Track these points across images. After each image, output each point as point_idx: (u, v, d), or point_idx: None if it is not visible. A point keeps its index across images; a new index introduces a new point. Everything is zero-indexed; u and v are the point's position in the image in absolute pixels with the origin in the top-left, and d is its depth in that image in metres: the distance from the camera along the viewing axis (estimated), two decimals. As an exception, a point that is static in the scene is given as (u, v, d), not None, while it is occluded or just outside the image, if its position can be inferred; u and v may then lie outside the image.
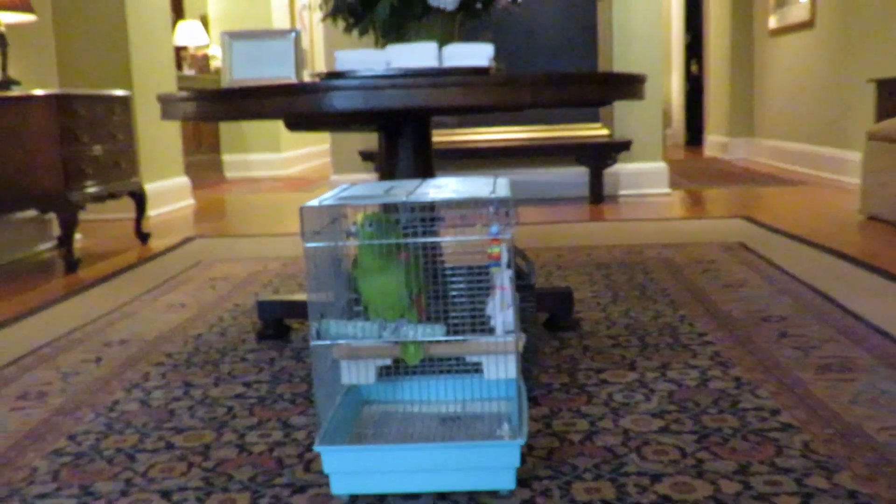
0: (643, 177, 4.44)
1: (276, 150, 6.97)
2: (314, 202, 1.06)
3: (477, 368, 1.29)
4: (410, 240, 1.11)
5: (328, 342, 1.15)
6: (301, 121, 1.93)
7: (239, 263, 2.89)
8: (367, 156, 4.16)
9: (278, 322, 1.97)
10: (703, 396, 1.44)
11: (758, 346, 1.71)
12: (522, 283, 1.45)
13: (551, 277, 2.45)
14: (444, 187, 1.14)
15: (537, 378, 1.48)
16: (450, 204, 1.07)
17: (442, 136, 4.24)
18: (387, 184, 1.20)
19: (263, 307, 1.97)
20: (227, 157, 6.91)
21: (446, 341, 1.16)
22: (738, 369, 1.57)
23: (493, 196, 1.06)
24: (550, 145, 4.21)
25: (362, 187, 1.21)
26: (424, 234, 1.16)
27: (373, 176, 4.38)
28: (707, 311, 2.01)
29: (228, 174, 6.88)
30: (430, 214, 1.16)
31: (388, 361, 1.22)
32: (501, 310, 1.13)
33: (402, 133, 1.82)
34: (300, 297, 2.10)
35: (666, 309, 2.04)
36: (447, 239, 1.14)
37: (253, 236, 3.53)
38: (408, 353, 1.18)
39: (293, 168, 7.22)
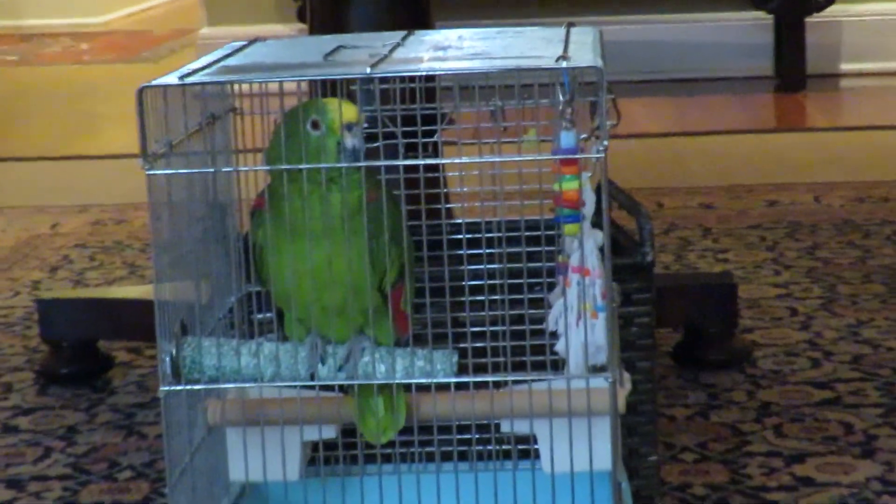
0: (894, 33, 4.43)
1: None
2: (169, 78, 1.06)
3: (527, 449, 1.30)
4: (382, 162, 1.11)
5: (197, 387, 1.15)
6: None
7: (-1, 219, 2.92)
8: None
9: (85, 346, 2.00)
10: None
11: None
12: (626, 262, 1.45)
13: (689, 251, 2.47)
14: (454, 48, 1.15)
15: (657, 470, 1.49)
16: (469, 81, 1.06)
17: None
18: (328, 40, 1.21)
19: (51, 314, 2.00)
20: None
21: (457, 387, 1.17)
22: None
23: (562, 66, 1.06)
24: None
25: (274, 47, 1.21)
26: (412, 150, 1.16)
27: (294, 29, 4.39)
28: None
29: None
30: (423, 107, 1.16)
31: (332, 433, 1.23)
32: (580, 320, 1.14)
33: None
34: (135, 291, 2.09)
35: (942, 324, 2.05)
36: (462, 160, 1.14)
37: (29, 160, 3.55)
38: (371, 419, 1.20)
39: (116, 12, 7.22)
